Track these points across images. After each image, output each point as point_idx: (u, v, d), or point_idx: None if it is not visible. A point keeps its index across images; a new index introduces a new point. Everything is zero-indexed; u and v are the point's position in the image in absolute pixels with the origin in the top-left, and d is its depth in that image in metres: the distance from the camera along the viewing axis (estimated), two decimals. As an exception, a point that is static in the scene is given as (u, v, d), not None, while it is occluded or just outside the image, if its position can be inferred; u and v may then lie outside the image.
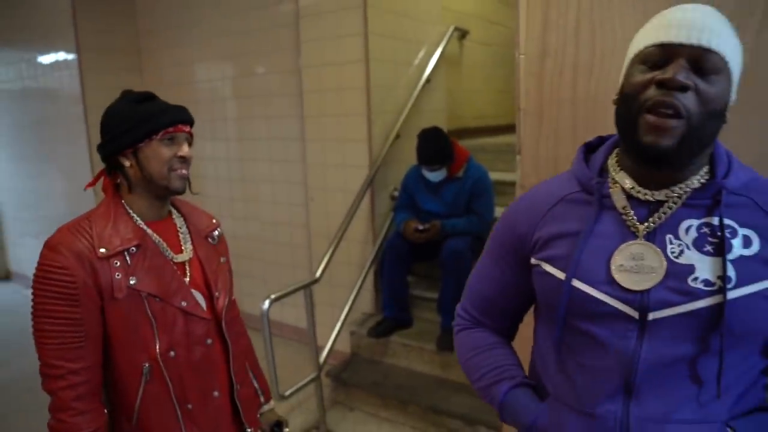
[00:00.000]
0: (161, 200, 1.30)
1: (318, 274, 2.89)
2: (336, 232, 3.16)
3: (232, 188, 4.30)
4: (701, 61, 0.79)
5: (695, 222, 0.85)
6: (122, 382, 1.23)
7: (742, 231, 0.84)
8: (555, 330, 0.94)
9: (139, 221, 1.27)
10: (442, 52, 4.00)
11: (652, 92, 0.81)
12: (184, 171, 1.27)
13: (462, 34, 4.55)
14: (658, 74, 0.81)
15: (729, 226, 0.84)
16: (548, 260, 0.95)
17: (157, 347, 1.22)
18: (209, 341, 1.31)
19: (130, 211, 1.27)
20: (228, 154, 4.27)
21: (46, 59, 4.66)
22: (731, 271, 0.81)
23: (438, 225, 3.14)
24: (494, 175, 3.38)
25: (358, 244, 3.57)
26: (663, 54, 0.81)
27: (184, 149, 1.27)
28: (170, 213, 1.37)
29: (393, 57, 3.59)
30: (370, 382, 3.12)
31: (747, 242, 0.83)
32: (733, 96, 0.85)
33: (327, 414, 3.02)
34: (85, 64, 4.34)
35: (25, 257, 5.50)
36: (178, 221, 1.37)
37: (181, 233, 1.35)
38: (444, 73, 4.17)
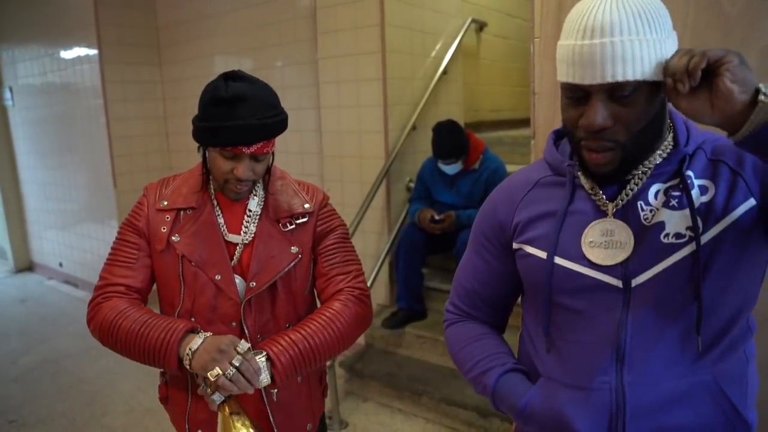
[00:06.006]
0: None
1: (332, 264, 2.89)
2: (351, 223, 3.16)
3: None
4: (617, 91, 0.81)
5: (662, 186, 0.90)
6: None
7: (697, 182, 0.88)
8: (542, 310, 0.95)
9: (213, 190, 1.32)
10: (460, 44, 3.97)
11: (581, 132, 0.86)
12: (239, 187, 1.24)
13: (480, 26, 4.52)
14: (581, 117, 0.84)
15: (687, 177, 0.88)
16: (529, 242, 0.97)
17: (179, 308, 1.27)
18: (233, 324, 1.27)
19: (211, 179, 1.31)
20: (245, 146, 4.28)
21: (68, 54, 4.73)
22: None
23: (452, 216, 3.12)
24: (511, 168, 3.35)
25: (374, 236, 3.58)
26: (580, 90, 0.84)
27: (240, 170, 1.20)
28: (250, 194, 1.32)
29: (410, 48, 3.58)
30: (384, 373, 3.12)
31: (703, 190, 0.88)
32: (675, 44, 0.82)
33: (340, 404, 3.02)
34: (105, 57, 4.41)
35: (48, 249, 5.58)
36: (253, 203, 1.32)
37: (248, 215, 1.31)
38: (461, 65, 4.15)
